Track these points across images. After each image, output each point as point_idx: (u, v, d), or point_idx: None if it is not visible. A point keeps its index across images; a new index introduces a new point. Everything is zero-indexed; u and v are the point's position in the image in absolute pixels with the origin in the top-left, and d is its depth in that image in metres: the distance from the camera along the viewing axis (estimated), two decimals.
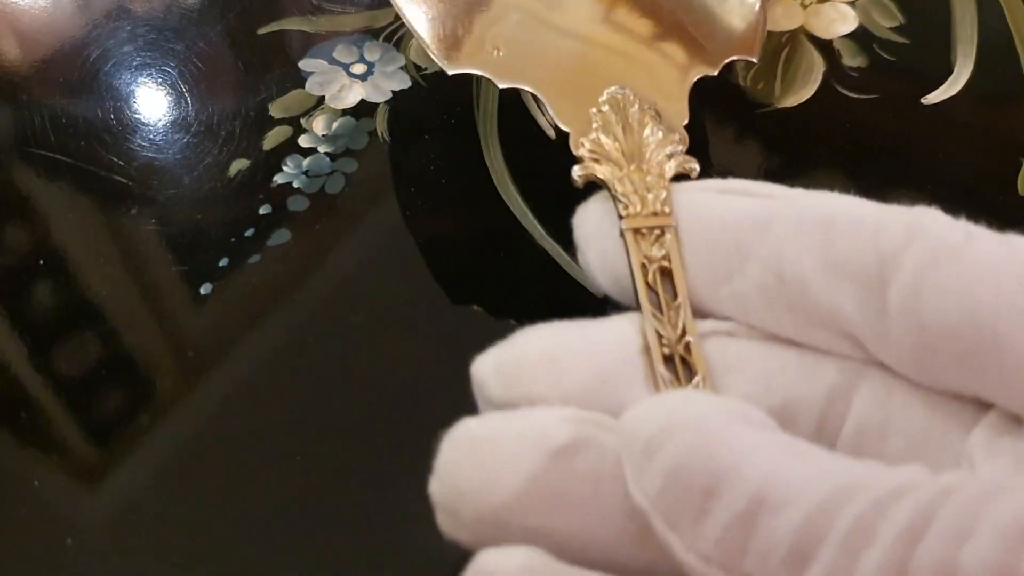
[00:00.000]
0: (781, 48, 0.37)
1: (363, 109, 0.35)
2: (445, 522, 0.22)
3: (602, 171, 0.25)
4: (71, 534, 0.25)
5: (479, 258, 0.27)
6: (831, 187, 0.29)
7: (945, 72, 0.36)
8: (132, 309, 0.30)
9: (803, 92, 0.36)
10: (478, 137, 0.34)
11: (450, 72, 0.28)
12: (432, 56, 0.29)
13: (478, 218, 0.33)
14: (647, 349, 0.23)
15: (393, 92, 0.35)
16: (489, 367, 0.23)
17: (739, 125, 0.35)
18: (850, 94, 0.36)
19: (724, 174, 0.31)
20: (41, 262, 0.31)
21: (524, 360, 0.23)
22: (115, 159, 0.33)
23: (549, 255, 0.30)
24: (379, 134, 0.34)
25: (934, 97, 0.36)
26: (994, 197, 0.33)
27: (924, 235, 0.23)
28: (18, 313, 0.30)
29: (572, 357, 0.23)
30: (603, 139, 0.26)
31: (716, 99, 0.36)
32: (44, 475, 0.27)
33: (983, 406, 0.22)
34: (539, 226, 0.32)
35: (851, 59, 0.37)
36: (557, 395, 0.22)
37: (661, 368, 0.22)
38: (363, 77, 0.36)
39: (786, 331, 0.23)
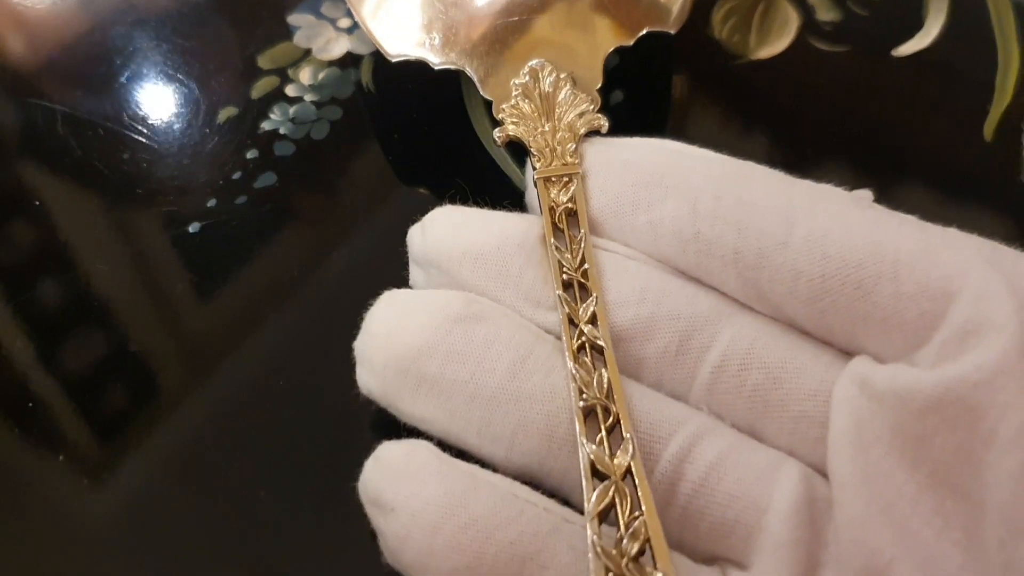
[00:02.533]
0: (757, 3, 0.38)
1: (349, 61, 0.37)
2: (361, 375, 0.26)
3: (518, 131, 0.29)
4: (76, 531, 0.26)
5: (459, 200, 0.29)
6: (803, 135, 0.31)
7: (916, 25, 0.37)
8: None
9: (777, 45, 0.37)
10: (459, 86, 0.36)
11: (392, 58, 0.32)
12: (376, 44, 0.32)
13: (459, 162, 0.34)
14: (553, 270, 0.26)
15: None
16: (416, 228, 0.28)
17: (713, 76, 0.37)
18: (823, 47, 0.37)
19: (697, 123, 0.33)
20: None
21: (439, 221, 0.27)
22: (108, 107, 0.36)
23: (513, 193, 0.32)
24: (364, 84, 0.36)
25: (905, 49, 0.37)
26: (962, 144, 0.34)
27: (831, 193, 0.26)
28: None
29: (480, 221, 0.27)
30: (522, 104, 0.30)
31: (692, 52, 0.37)
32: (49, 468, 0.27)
33: (841, 355, 0.24)
34: (517, 169, 0.33)
35: (825, 13, 0.38)
36: (460, 250, 0.26)
37: (560, 291, 0.25)
38: (349, 31, 0.38)
39: (688, 263, 0.26)
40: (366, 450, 0.24)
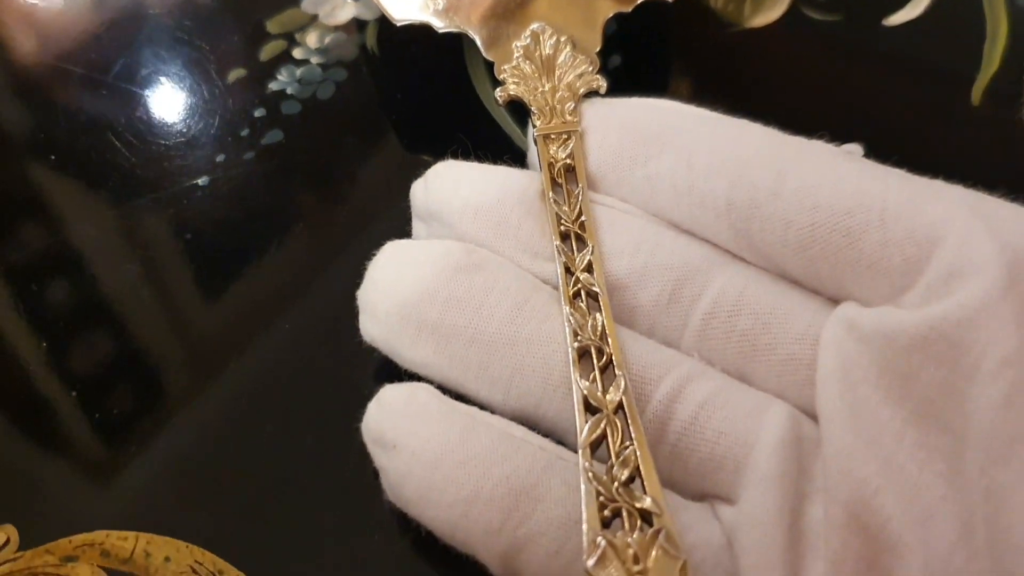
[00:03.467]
0: None
1: (354, 26, 0.38)
2: (364, 323, 0.27)
3: (519, 90, 0.30)
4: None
5: (460, 156, 0.30)
6: (795, 101, 0.32)
7: None
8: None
9: (771, 13, 0.38)
10: (462, 51, 0.37)
11: (397, 22, 0.33)
12: (381, 9, 0.33)
13: (460, 122, 0.35)
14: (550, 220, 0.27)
15: None
16: (419, 183, 0.29)
17: (708, 43, 0.38)
18: (815, 16, 0.38)
19: (692, 89, 0.34)
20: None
21: (441, 174, 0.28)
22: (122, 65, 0.37)
23: (525, 154, 0.33)
24: (369, 48, 0.37)
25: (896, 19, 0.38)
26: (950, 110, 0.35)
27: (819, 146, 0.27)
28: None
29: (482, 175, 0.28)
30: (523, 65, 0.31)
31: (688, 19, 0.38)
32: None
33: (829, 302, 0.25)
34: (517, 129, 0.34)
35: None
36: (461, 202, 0.27)
37: (558, 241, 0.26)
38: None
39: (682, 215, 0.27)
40: (369, 395, 0.25)
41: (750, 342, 0.25)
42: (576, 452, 0.23)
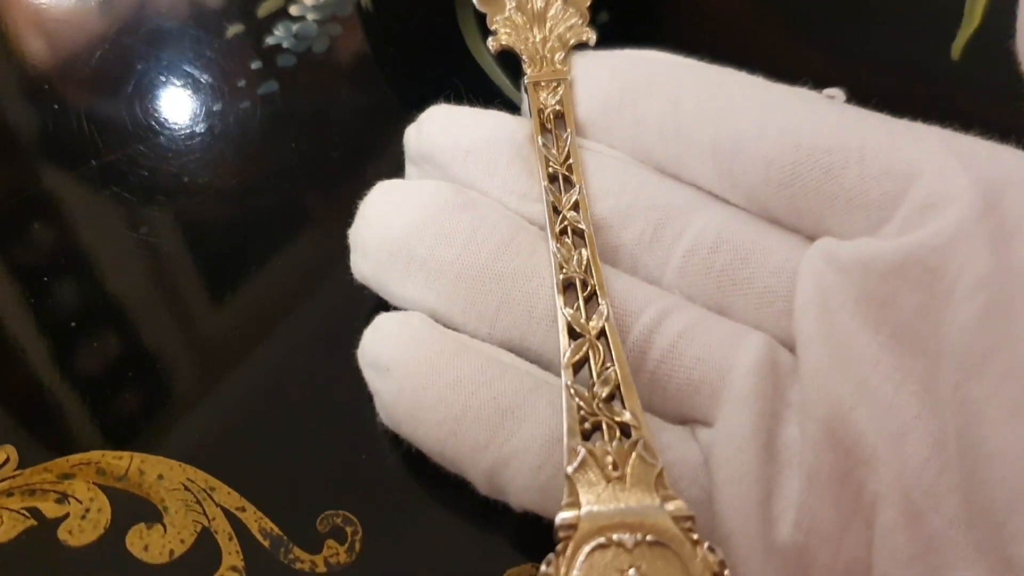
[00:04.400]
0: None
1: None
2: (355, 260, 0.28)
3: (511, 40, 0.32)
4: None
5: (453, 101, 0.30)
6: (778, 54, 0.33)
7: None
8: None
9: None
10: (453, 6, 0.37)
11: None
12: None
13: (452, 74, 0.36)
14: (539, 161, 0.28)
15: None
16: (412, 127, 0.30)
17: None
18: None
19: (678, 42, 0.34)
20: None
21: (434, 117, 0.29)
22: (124, 23, 0.37)
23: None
24: (363, 5, 0.38)
25: None
26: (931, 63, 0.35)
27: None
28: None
29: (473, 118, 0.29)
30: (515, 16, 0.32)
31: None
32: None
33: (807, 240, 0.26)
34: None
35: None
36: (452, 144, 0.28)
37: (545, 182, 0.27)
38: None
39: (668, 157, 0.28)
40: (360, 327, 0.26)
41: (729, 277, 0.25)
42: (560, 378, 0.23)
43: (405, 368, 0.24)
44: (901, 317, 0.22)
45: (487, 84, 0.35)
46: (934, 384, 0.21)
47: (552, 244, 0.25)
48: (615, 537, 0.19)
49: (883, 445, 0.21)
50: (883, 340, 0.22)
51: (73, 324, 0.30)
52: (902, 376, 0.22)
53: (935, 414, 0.21)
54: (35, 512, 0.25)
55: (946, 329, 0.22)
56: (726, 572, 0.18)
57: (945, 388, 0.21)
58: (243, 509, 0.25)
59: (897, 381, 0.22)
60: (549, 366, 0.25)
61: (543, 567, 0.18)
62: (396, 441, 0.25)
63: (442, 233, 0.26)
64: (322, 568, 0.24)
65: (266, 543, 0.24)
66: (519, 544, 0.24)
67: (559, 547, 0.19)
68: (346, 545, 0.24)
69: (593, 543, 0.19)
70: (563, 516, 0.20)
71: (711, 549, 0.19)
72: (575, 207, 0.26)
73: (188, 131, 0.34)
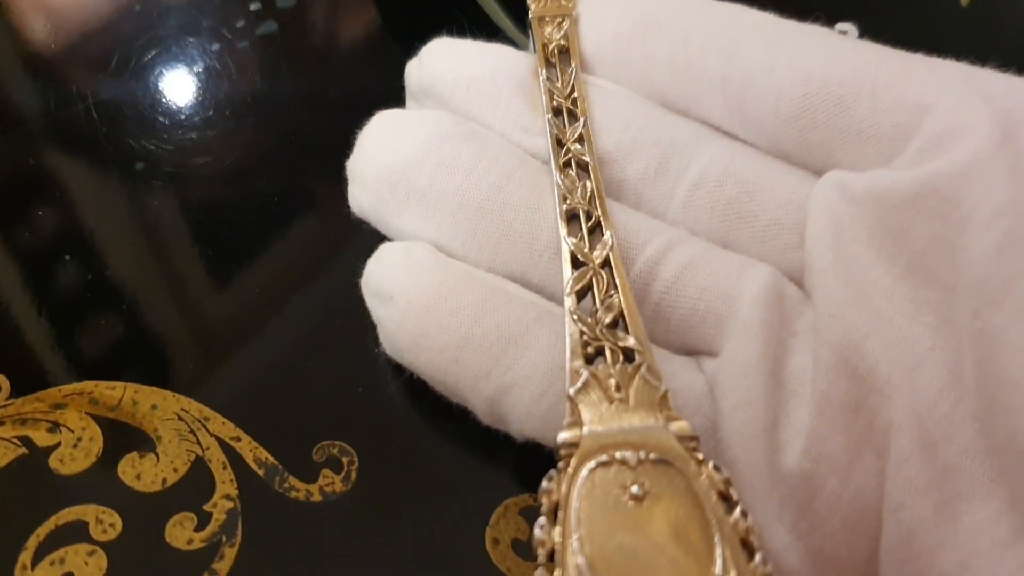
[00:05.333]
0: None
1: None
2: (353, 192, 0.27)
3: None
4: None
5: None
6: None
7: None
8: None
9: None
10: None
11: None
12: None
13: (453, 15, 0.35)
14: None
15: None
16: (414, 61, 0.29)
17: None
18: None
19: None
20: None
21: (436, 50, 0.29)
22: None
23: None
24: None
25: None
26: (939, 10, 0.35)
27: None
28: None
29: (476, 51, 0.29)
30: None
31: None
32: None
33: (815, 175, 0.25)
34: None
35: None
36: (454, 76, 0.28)
37: (550, 116, 0.27)
38: None
39: (677, 92, 0.27)
40: (356, 262, 0.26)
41: (734, 210, 0.25)
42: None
43: (408, 296, 0.24)
44: (916, 248, 0.22)
45: (489, 24, 0.34)
46: (950, 315, 0.21)
47: (556, 175, 0.25)
48: (618, 455, 0.18)
49: (897, 375, 0.20)
50: (897, 272, 0.22)
51: (67, 257, 0.29)
52: (916, 308, 0.21)
53: (951, 345, 0.20)
54: (26, 441, 0.24)
55: (963, 257, 0.21)
56: (732, 490, 0.18)
57: (962, 318, 0.21)
58: (238, 439, 0.25)
59: (911, 313, 0.21)
60: (551, 299, 0.25)
61: (544, 483, 0.18)
62: (395, 373, 0.25)
63: (443, 164, 0.26)
64: (317, 497, 0.24)
65: (261, 472, 0.24)
66: (518, 476, 0.24)
67: (560, 464, 0.18)
68: (342, 475, 0.24)
69: (595, 461, 0.18)
70: (565, 435, 0.19)
71: (716, 468, 0.18)
72: (579, 140, 0.26)
73: (187, 70, 0.34)
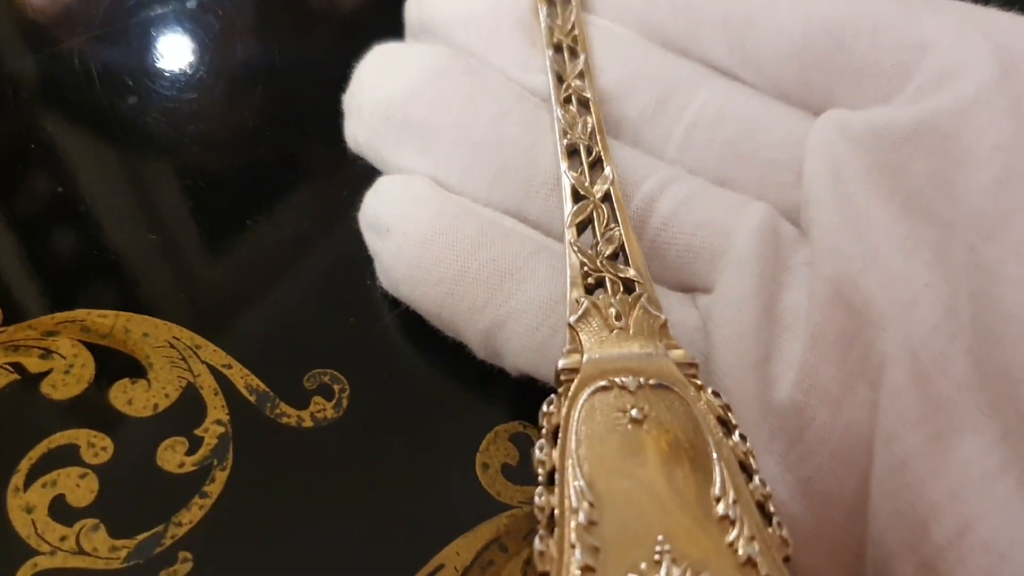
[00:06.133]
0: None
1: None
2: (348, 127, 0.27)
3: None
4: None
5: None
6: None
7: None
8: None
9: None
10: None
11: None
12: None
13: None
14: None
15: None
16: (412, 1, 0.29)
17: None
18: None
19: None
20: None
21: None
22: None
23: None
24: None
25: None
26: None
27: None
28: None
29: None
30: None
31: None
32: None
33: (811, 114, 0.25)
34: None
35: None
36: (454, 12, 0.28)
37: (550, 52, 0.26)
38: None
39: (678, 31, 0.27)
40: (352, 196, 0.26)
41: (732, 149, 0.25)
42: (562, 244, 0.23)
43: (405, 228, 0.24)
44: (914, 184, 0.22)
45: None
46: (947, 251, 0.21)
47: (557, 110, 0.25)
48: (617, 380, 0.18)
49: (893, 310, 0.20)
50: (895, 209, 0.22)
51: (60, 189, 0.29)
52: (913, 244, 0.21)
53: (947, 281, 0.20)
54: (18, 367, 0.24)
55: (961, 194, 0.21)
56: (730, 414, 0.18)
57: (958, 253, 0.21)
58: (229, 366, 0.24)
59: (908, 249, 0.21)
60: (548, 235, 0.25)
61: (544, 407, 0.18)
62: (389, 305, 0.25)
63: (440, 97, 0.26)
64: (308, 423, 0.24)
65: (252, 398, 0.24)
66: (509, 405, 0.24)
67: (560, 389, 0.18)
68: (333, 401, 0.24)
69: (595, 386, 0.18)
70: (565, 361, 0.19)
71: (715, 393, 0.18)
72: (580, 76, 0.26)
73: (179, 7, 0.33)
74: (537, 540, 0.16)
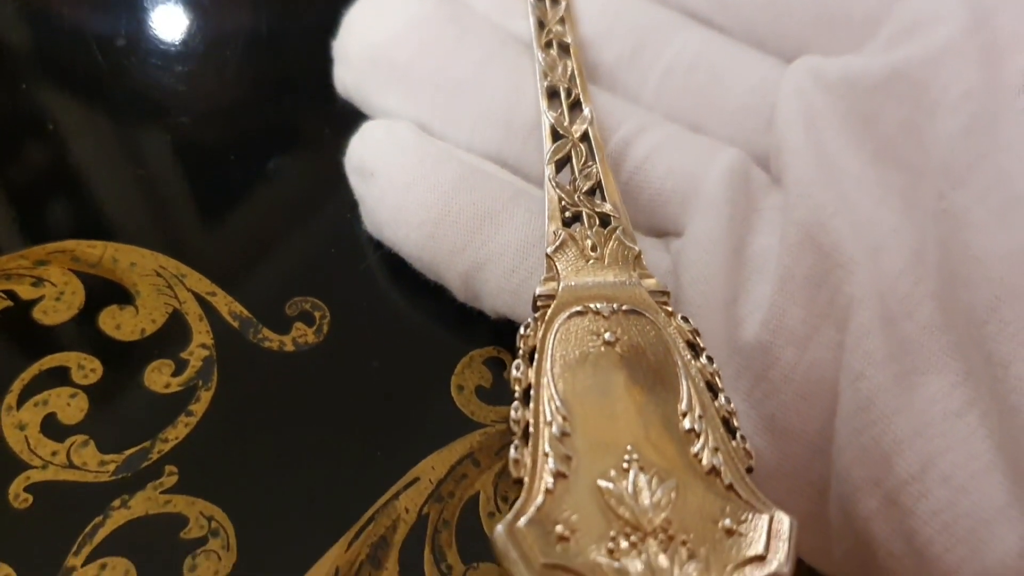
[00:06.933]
0: None
1: None
2: (337, 72, 0.28)
3: None
4: None
5: None
6: None
7: None
8: None
9: None
10: None
11: None
12: None
13: None
14: None
15: None
16: None
17: None
18: None
19: None
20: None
21: None
22: None
23: None
24: None
25: None
26: None
27: None
28: None
29: None
30: None
31: None
32: None
33: (784, 62, 0.26)
34: None
35: None
36: None
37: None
38: None
39: None
40: (337, 141, 0.27)
41: (705, 95, 0.26)
42: (540, 189, 0.24)
43: (388, 172, 0.25)
44: (885, 133, 0.22)
45: None
46: (915, 197, 0.21)
47: (538, 54, 0.25)
48: (592, 305, 0.19)
49: (861, 254, 0.21)
50: (866, 157, 0.22)
51: (51, 127, 0.29)
52: (883, 191, 0.22)
53: (915, 227, 0.21)
54: (10, 294, 0.25)
55: (931, 139, 0.22)
56: (699, 339, 0.19)
57: (927, 199, 0.21)
58: (213, 294, 0.25)
59: (878, 196, 0.22)
60: (527, 180, 0.25)
61: (522, 330, 0.19)
62: (373, 247, 0.26)
63: (425, 42, 0.26)
64: (290, 347, 0.24)
65: (235, 324, 0.25)
66: (484, 333, 0.25)
67: (537, 314, 0.19)
68: (314, 327, 0.25)
69: (570, 310, 0.19)
70: (542, 288, 0.20)
71: (685, 319, 0.19)
72: (561, 21, 0.27)
73: None
74: (512, 450, 0.16)
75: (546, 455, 0.16)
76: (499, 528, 0.15)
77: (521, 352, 0.18)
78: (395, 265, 0.25)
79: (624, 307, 0.19)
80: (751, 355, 0.21)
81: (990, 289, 0.19)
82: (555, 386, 0.17)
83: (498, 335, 0.25)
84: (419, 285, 0.25)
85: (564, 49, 0.26)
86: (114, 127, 0.30)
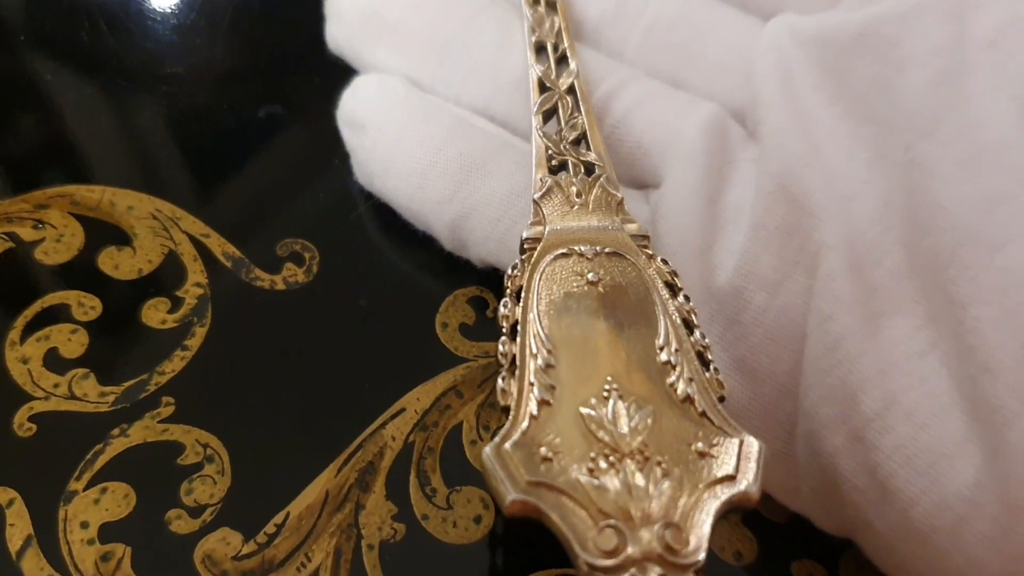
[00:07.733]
0: None
1: None
2: (329, 29, 0.29)
3: None
4: None
5: None
6: None
7: None
8: None
9: None
10: None
11: None
12: None
13: None
14: None
15: None
16: None
17: None
18: None
19: None
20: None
21: None
22: None
23: None
24: None
25: None
26: None
27: None
28: None
29: None
30: None
31: None
32: None
33: (762, 20, 0.26)
34: None
35: None
36: None
37: None
38: None
39: None
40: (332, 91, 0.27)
41: (685, 51, 0.27)
42: (527, 143, 0.25)
43: (379, 124, 0.25)
44: (858, 87, 0.23)
45: None
46: (885, 149, 0.22)
47: (526, 10, 0.26)
48: (576, 248, 0.20)
49: (832, 203, 0.22)
50: (839, 111, 0.23)
51: (48, 77, 0.30)
52: (855, 143, 0.22)
53: (884, 178, 0.22)
54: (12, 236, 0.25)
55: (900, 95, 0.22)
56: (677, 280, 0.20)
57: (895, 151, 0.22)
58: (207, 236, 0.26)
59: (850, 149, 0.22)
60: (514, 133, 0.26)
61: (509, 271, 0.20)
62: (363, 198, 0.27)
63: (415, 0, 0.27)
64: (281, 286, 0.25)
65: (228, 264, 0.25)
66: (469, 274, 0.26)
67: (524, 256, 0.20)
68: (304, 267, 0.26)
69: (555, 252, 0.20)
70: (529, 232, 0.21)
71: (664, 261, 0.20)
72: None
73: None
74: (500, 380, 0.17)
75: (531, 385, 0.17)
76: (487, 450, 0.16)
77: (509, 291, 0.19)
78: (385, 214, 0.26)
79: (607, 250, 0.20)
80: (724, 299, 0.22)
81: (953, 235, 0.19)
82: (540, 322, 0.18)
83: (481, 279, 0.26)
84: (408, 234, 0.26)
85: (551, 6, 0.27)
86: (113, 78, 0.30)
